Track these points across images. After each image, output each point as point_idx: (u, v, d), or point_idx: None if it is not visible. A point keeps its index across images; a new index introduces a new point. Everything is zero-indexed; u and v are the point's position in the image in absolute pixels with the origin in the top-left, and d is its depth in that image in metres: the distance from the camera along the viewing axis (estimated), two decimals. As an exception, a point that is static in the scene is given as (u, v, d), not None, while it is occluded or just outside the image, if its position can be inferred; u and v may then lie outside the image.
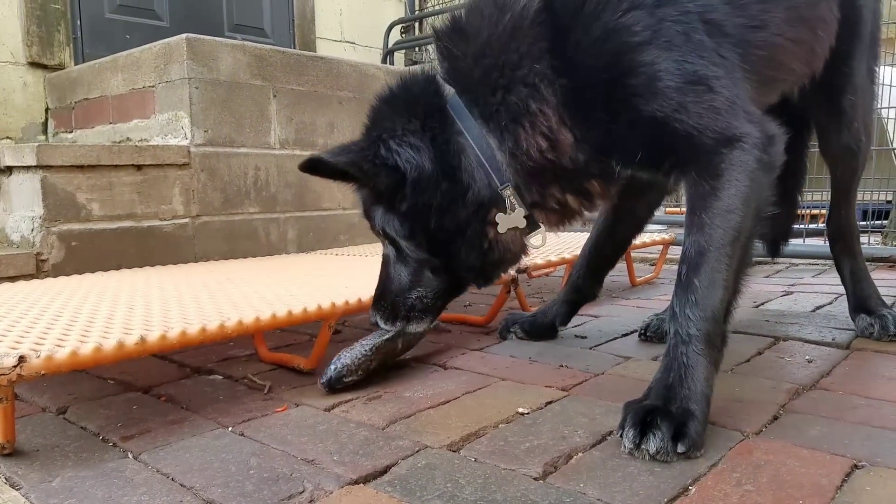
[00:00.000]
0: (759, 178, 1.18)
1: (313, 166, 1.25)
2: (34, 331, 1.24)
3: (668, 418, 1.02)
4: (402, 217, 1.30)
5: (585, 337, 1.78)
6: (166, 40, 2.44)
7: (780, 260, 3.15)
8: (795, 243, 3.11)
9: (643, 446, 1.00)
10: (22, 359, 1.04)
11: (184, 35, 2.37)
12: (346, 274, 1.93)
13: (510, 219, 1.30)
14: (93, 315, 1.39)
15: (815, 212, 4.81)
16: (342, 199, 2.92)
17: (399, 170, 1.25)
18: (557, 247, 2.31)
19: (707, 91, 1.17)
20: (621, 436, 1.03)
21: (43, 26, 3.14)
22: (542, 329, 1.80)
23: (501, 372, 1.48)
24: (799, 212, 4.50)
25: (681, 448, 0.99)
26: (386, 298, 1.43)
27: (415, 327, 1.44)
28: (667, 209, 6.65)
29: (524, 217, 1.30)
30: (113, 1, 3.44)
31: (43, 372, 1.06)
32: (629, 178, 1.39)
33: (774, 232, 1.94)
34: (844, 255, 1.79)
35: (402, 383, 1.43)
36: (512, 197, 1.28)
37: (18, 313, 1.41)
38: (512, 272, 1.92)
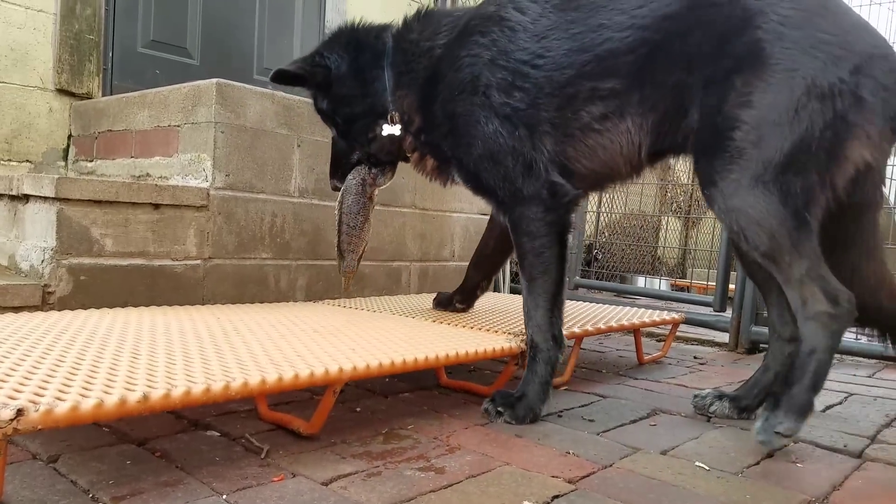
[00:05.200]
0: (546, 228, 1.72)
1: (280, 75, 2.00)
2: (35, 377, 1.20)
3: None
4: (331, 101, 2.01)
5: (593, 420, 1.74)
6: (196, 83, 2.47)
7: (790, 348, 3.11)
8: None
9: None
10: (20, 412, 1.01)
11: (214, 80, 2.39)
12: (353, 331, 1.90)
13: (391, 128, 1.94)
14: (96, 361, 1.36)
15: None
16: (353, 249, 2.91)
17: (329, 69, 1.96)
18: (568, 322, 2.28)
19: (500, 164, 1.74)
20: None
21: (75, 55, 3.18)
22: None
23: (505, 454, 1.44)
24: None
25: (508, 417, 1.68)
26: (339, 164, 2.09)
27: (381, 179, 2.07)
28: (672, 281, 6.60)
29: (399, 131, 1.95)
30: (146, 35, 3.50)
31: (40, 427, 1.03)
32: None
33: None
34: None
35: (403, 457, 1.39)
36: (395, 116, 1.94)
37: (21, 353, 1.38)
38: (522, 345, 1.89)
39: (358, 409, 1.76)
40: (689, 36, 1.62)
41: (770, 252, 1.52)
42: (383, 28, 2.02)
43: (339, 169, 2.08)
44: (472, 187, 1.87)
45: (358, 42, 2.00)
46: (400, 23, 2.02)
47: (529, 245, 1.73)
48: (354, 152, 2.04)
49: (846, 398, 2.17)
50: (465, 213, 3.43)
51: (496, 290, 3.91)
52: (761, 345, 3.14)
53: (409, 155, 2.02)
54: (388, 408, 1.79)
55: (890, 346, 1.72)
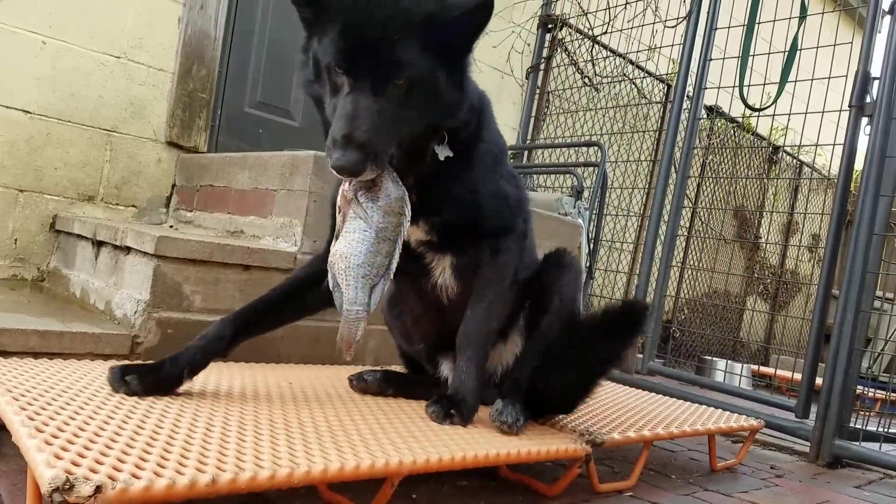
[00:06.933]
0: (518, 252, 1.92)
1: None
2: (116, 445, 1.26)
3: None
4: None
5: (655, 540, 1.68)
6: (295, 153, 2.59)
7: (875, 468, 2.92)
8: (892, 450, 2.87)
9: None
10: (98, 489, 1.06)
11: (312, 152, 2.51)
12: (418, 413, 1.91)
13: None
14: (173, 431, 1.41)
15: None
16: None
17: None
18: (637, 421, 2.22)
19: (504, 200, 1.88)
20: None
21: (187, 111, 3.41)
22: (169, 381, 1.67)
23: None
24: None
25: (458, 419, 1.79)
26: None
27: None
28: (754, 369, 6.25)
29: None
30: (254, 97, 3.71)
31: (115, 504, 1.08)
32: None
33: None
34: None
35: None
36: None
37: (106, 414, 1.45)
38: (587, 447, 1.85)
39: (414, 496, 1.75)
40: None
41: None
42: None
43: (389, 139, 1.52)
44: (463, 219, 1.82)
45: None
46: None
47: (507, 272, 1.89)
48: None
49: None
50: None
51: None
52: (844, 459, 2.95)
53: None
54: (445, 498, 1.78)
55: None
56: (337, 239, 1.55)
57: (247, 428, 1.53)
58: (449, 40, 1.54)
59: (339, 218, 1.56)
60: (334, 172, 1.44)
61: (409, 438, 1.64)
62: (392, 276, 1.59)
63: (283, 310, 1.90)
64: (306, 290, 1.87)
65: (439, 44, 1.52)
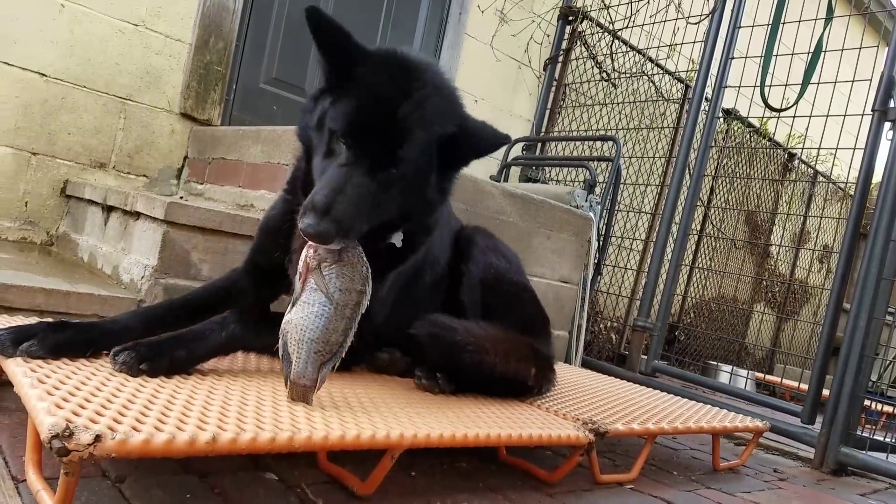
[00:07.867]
0: None
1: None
2: (116, 401, 1.25)
3: None
4: None
5: (656, 531, 1.66)
6: (309, 127, 2.56)
7: (881, 478, 2.88)
8: (898, 462, 2.83)
9: None
10: (98, 438, 1.04)
11: (326, 126, 2.49)
12: (422, 391, 1.89)
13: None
14: (175, 391, 1.40)
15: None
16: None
17: None
18: (641, 415, 2.19)
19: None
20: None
21: (202, 84, 3.39)
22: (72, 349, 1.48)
23: (560, 555, 1.38)
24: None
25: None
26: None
27: None
28: (758, 375, 6.20)
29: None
30: (269, 73, 3.70)
31: (113, 455, 1.06)
32: None
33: None
34: None
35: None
36: None
37: (109, 371, 1.44)
38: (590, 436, 1.83)
39: (413, 474, 1.73)
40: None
41: None
42: None
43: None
44: None
45: None
46: None
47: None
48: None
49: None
50: (546, 278, 3.39)
51: (567, 360, 3.80)
52: (850, 467, 2.91)
53: None
54: (443, 477, 1.76)
55: None
56: (293, 305, 1.48)
57: (249, 395, 1.51)
58: (455, 155, 1.62)
59: (297, 283, 1.49)
60: (301, 234, 1.40)
61: (413, 414, 1.62)
62: (344, 354, 1.49)
63: (194, 317, 1.72)
64: (218, 305, 1.78)
65: (443, 154, 1.59)
